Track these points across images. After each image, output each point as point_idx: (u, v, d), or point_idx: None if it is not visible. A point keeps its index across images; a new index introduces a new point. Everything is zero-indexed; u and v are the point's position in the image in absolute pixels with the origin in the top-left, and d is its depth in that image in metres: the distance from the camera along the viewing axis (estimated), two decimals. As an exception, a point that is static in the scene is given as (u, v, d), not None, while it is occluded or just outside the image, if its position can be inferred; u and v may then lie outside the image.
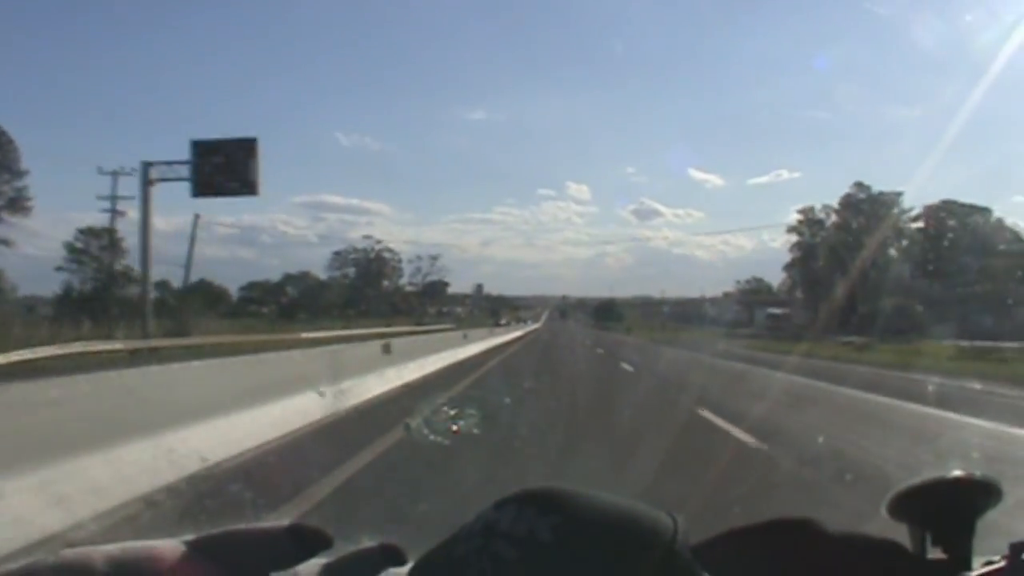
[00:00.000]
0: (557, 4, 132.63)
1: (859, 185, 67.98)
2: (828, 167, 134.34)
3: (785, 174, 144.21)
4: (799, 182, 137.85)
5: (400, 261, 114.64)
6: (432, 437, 6.68)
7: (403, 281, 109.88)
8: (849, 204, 68.15)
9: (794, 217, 75.57)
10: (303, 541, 0.63)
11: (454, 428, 7.18)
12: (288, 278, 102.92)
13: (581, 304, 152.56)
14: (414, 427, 7.38)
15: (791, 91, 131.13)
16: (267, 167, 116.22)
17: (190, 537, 0.63)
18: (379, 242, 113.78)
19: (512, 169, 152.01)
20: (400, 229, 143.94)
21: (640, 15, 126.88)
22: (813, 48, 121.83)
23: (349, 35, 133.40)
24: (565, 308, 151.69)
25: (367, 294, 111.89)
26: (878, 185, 68.04)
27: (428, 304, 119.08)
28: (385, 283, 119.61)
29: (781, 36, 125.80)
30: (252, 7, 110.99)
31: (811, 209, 74.58)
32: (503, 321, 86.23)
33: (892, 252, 65.56)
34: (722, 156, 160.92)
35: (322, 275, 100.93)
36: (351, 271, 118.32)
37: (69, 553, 0.58)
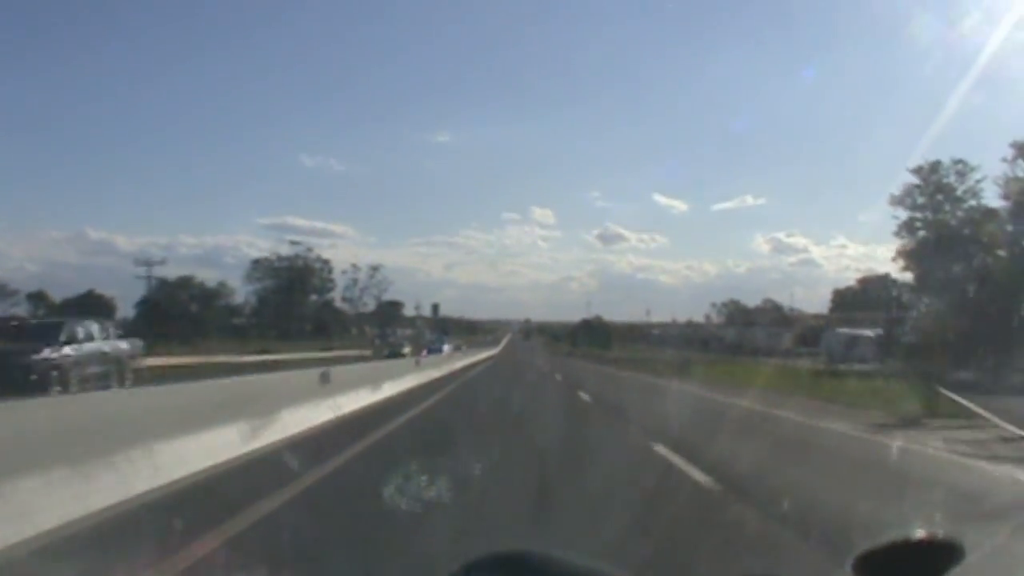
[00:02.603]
0: (523, 29, 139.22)
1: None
2: (794, 192, 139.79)
3: (750, 199, 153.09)
4: (764, 208, 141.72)
5: (330, 272, 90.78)
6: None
7: (338, 295, 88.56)
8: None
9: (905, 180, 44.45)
10: None
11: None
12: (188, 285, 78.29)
13: (545, 328, 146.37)
14: None
15: (757, 117, 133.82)
16: (231, 188, 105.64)
17: None
18: (309, 249, 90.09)
19: (477, 193, 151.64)
20: (364, 251, 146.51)
21: (606, 42, 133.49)
22: (779, 74, 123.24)
23: (313, 57, 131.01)
24: (529, 331, 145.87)
25: (285, 311, 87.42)
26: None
27: (371, 325, 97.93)
28: (313, 297, 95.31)
29: (746, 63, 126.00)
30: (219, 29, 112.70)
31: (936, 165, 42.85)
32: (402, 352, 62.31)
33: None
34: (687, 181, 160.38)
35: (241, 288, 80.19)
36: (272, 283, 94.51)
37: None
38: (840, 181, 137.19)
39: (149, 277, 65.89)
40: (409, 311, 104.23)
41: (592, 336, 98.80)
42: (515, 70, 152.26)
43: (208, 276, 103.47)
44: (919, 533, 0.91)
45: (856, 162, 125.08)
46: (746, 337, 78.76)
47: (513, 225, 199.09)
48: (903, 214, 43.32)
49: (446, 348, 55.90)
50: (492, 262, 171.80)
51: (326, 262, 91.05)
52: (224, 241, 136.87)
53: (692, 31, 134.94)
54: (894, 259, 44.21)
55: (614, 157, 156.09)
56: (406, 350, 51.95)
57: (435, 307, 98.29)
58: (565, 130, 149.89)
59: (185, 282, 71.02)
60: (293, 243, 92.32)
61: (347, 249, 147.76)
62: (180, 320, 69.62)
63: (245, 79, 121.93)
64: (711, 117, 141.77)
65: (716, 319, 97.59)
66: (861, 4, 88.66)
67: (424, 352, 43.45)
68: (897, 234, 43.06)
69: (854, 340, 55.40)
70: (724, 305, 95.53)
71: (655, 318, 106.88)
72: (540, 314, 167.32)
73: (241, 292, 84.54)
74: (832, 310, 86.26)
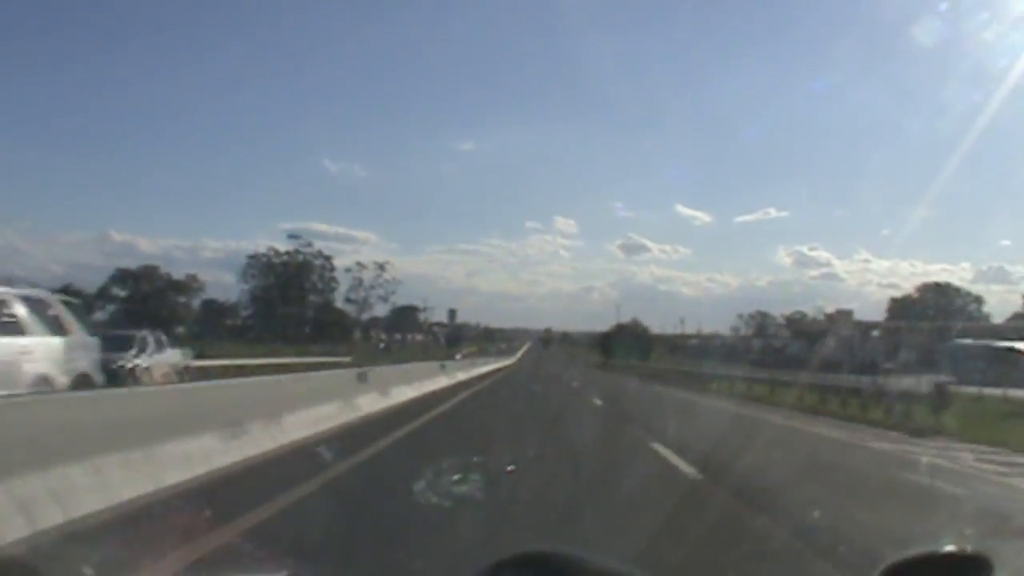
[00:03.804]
0: (549, 38, 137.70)
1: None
2: (816, 205, 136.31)
3: (773, 212, 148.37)
4: (786, 220, 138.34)
5: (332, 270, 79.98)
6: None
7: (342, 295, 79.02)
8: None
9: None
10: None
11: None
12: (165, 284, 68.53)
13: (566, 337, 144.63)
14: None
15: (782, 128, 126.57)
16: (254, 192, 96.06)
17: None
18: (308, 244, 79.26)
19: (500, 201, 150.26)
20: (386, 258, 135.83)
21: (631, 51, 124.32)
22: (803, 85, 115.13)
23: (339, 62, 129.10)
24: (549, 339, 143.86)
25: (281, 312, 76.40)
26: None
27: (381, 329, 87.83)
28: (313, 297, 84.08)
29: (771, 74, 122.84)
30: (244, 32, 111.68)
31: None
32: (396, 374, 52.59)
33: None
34: (710, 193, 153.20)
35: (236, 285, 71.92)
36: (268, 281, 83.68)
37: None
38: (864, 195, 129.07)
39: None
40: (429, 316, 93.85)
41: (629, 344, 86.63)
42: (540, 79, 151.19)
43: (228, 280, 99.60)
44: (948, 547, 0.90)
45: (880, 176, 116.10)
46: (812, 349, 66.75)
47: (536, 234, 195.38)
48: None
49: (459, 356, 46.22)
50: (514, 271, 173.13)
51: (328, 259, 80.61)
52: (246, 245, 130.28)
53: (717, 41, 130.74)
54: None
55: (638, 167, 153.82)
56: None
57: (452, 313, 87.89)
58: (589, 140, 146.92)
59: (149, 273, 60.94)
60: (291, 237, 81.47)
61: (369, 255, 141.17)
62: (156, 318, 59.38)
63: (270, 82, 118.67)
64: (735, 128, 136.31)
65: (744, 331, 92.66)
66: (886, 16, 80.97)
67: None
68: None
69: (1002, 356, 41.52)
70: (751, 317, 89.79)
71: (674, 330, 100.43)
72: (560, 324, 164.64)
73: (235, 290, 75.96)
74: (889, 320, 76.96)
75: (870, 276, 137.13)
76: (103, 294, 63.08)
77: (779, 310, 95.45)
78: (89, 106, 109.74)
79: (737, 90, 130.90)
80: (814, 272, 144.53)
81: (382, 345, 64.98)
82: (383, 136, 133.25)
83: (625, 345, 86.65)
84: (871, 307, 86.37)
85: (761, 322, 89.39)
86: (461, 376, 30.97)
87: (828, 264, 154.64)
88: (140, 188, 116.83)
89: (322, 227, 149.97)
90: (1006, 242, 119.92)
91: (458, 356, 51.91)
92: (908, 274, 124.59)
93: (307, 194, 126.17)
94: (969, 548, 0.89)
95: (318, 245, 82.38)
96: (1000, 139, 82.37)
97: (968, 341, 48.90)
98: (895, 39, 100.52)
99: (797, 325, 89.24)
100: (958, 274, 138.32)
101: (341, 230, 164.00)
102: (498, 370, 45.32)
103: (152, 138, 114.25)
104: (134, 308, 62.70)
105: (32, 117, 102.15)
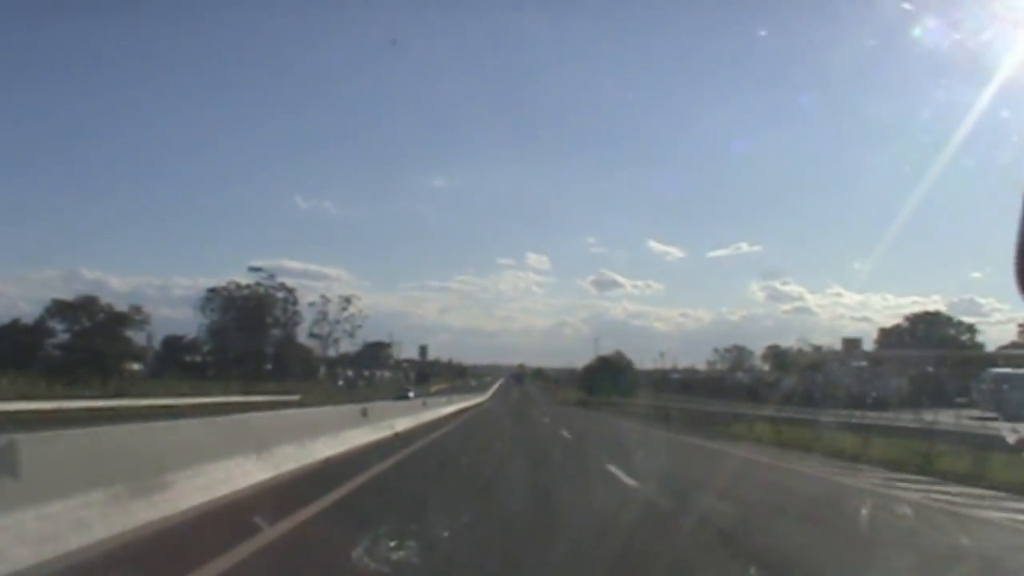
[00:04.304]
0: (520, 76, 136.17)
1: None
2: (789, 240, 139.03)
3: (745, 247, 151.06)
4: (759, 255, 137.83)
5: (295, 303, 74.63)
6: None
7: (307, 329, 74.05)
8: None
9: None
10: None
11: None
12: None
13: (539, 373, 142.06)
14: None
15: (753, 165, 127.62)
16: (226, 230, 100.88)
17: None
18: (270, 276, 73.59)
19: (472, 238, 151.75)
20: (358, 295, 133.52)
21: (603, 90, 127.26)
22: (774, 125, 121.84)
23: (310, 100, 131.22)
24: (521, 376, 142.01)
25: (241, 348, 70.65)
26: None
27: (347, 366, 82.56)
28: (276, 332, 78.38)
29: (742, 112, 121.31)
30: (215, 70, 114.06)
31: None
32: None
33: None
34: (682, 228, 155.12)
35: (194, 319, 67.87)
36: (231, 315, 78.17)
37: None
38: (835, 229, 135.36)
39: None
40: (398, 352, 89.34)
41: (612, 379, 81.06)
42: (512, 116, 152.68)
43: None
44: None
45: (851, 211, 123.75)
46: (815, 384, 61.22)
47: (508, 270, 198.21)
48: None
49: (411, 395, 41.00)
50: (486, 307, 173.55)
51: (291, 291, 75.30)
52: (218, 283, 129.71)
53: (689, 80, 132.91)
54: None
55: (610, 204, 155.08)
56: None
57: (423, 349, 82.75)
58: (561, 176, 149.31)
59: (88, 304, 55.20)
60: (253, 269, 76.15)
61: (341, 292, 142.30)
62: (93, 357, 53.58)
63: (240, 121, 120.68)
64: (707, 165, 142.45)
65: (721, 364, 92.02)
66: (853, 53, 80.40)
67: None
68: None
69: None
70: (727, 351, 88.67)
71: (649, 365, 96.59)
72: (534, 360, 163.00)
73: (193, 326, 70.97)
74: (880, 351, 75.78)
75: (842, 310, 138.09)
76: (38, 328, 57.20)
77: (753, 344, 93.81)
78: (62, 143, 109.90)
79: (709, 127, 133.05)
80: (786, 306, 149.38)
81: (341, 383, 59.92)
82: (355, 173, 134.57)
83: (608, 380, 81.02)
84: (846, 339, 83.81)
85: (738, 356, 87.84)
86: (403, 425, 21.34)
87: (800, 298, 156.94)
88: (112, 226, 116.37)
89: (293, 264, 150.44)
90: (976, 274, 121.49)
91: (411, 394, 46.25)
92: (880, 307, 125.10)
93: (279, 231, 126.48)
94: None
95: (289, 282, 77.62)
96: (970, 172, 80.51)
97: (1007, 370, 44.09)
98: (861, 75, 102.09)
99: (783, 358, 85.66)
100: (929, 307, 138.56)
101: (313, 267, 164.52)
102: (463, 411, 39.34)
103: (125, 176, 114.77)
104: (79, 344, 56.87)
105: (1, 153, 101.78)
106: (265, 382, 63.75)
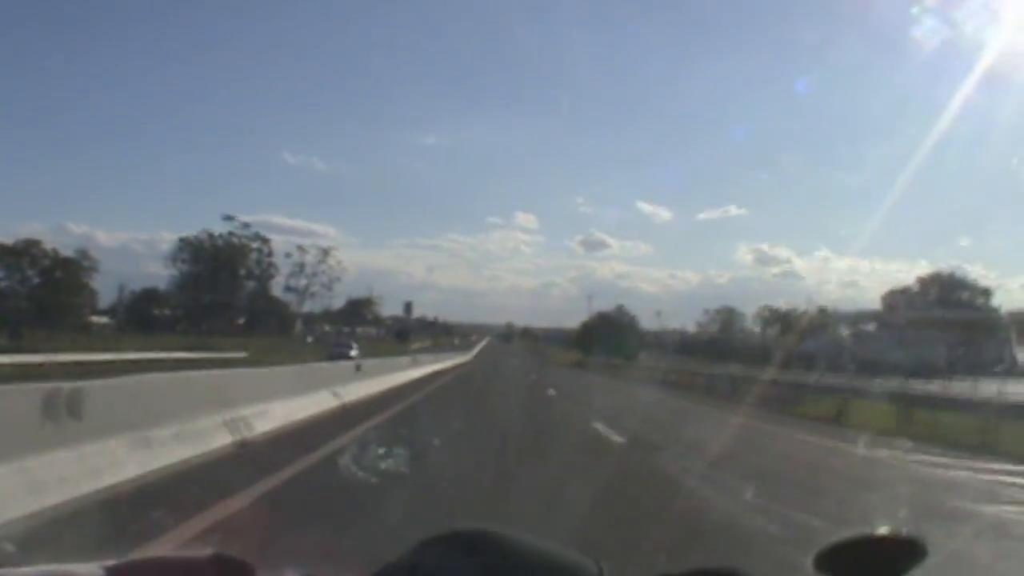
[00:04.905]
0: (512, 32, 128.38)
1: None
2: (778, 203, 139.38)
3: (734, 209, 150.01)
4: (747, 218, 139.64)
5: (270, 255, 68.27)
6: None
7: (282, 281, 68.73)
8: None
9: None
10: (225, 571, 0.67)
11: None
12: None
13: (528, 333, 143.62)
14: None
15: (744, 127, 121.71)
16: (213, 184, 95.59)
17: (111, 563, 0.66)
18: (246, 225, 67.69)
19: (461, 196, 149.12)
20: (346, 252, 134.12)
21: (595, 47, 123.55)
22: (768, 85, 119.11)
23: (299, 54, 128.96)
24: (509, 335, 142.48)
25: (212, 300, 64.87)
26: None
27: (330, 323, 77.35)
28: (250, 284, 71.93)
29: (736, 73, 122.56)
30: (203, 25, 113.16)
31: None
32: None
33: None
34: (672, 189, 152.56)
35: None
36: (201, 267, 72.08)
37: None
38: (825, 194, 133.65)
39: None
40: (382, 308, 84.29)
41: (614, 339, 75.52)
42: (504, 73, 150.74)
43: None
44: (882, 530, 0.91)
45: (842, 176, 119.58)
46: (842, 348, 55.61)
47: (497, 229, 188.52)
48: None
49: (354, 353, 35.26)
50: (474, 266, 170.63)
51: (266, 241, 69.48)
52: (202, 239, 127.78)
53: (683, 38, 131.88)
54: None
55: (600, 163, 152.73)
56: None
57: (407, 306, 77.58)
58: (552, 135, 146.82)
59: (30, 249, 49.14)
60: (226, 218, 70.16)
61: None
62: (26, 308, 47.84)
63: (229, 75, 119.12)
64: (698, 126, 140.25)
65: (712, 327, 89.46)
66: (855, 19, 78.03)
67: None
68: None
69: None
70: (718, 312, 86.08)
71: (652, 325, 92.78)
72: (521, 319, 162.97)
73: (163, 277, 65.64)
74: (885, 312, 70.30)
75: (829, 274, 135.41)
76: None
77: (741, 306, 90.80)
78: (49, 99, 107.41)
79: (701, 89, 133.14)
80: (775, 269, 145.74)
81: (310, 339, 55.14)
82: (344, 130, 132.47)
83: (611, 340, 75.87)
84: (833, 304, 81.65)
85: (728, 317, 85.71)
86: (336, 400, 12.93)
87: (788, 262, 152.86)
88: (99, 180, 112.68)
89: (281, 220, 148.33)
90: (964, 242, 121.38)
91: (352, 352, 39.87)
92: (868, 272, 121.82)
93: (266, 187, 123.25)
94: (904, 531, 0.89)
95: (277, 239, 71.38)
96: (961, 140, 76.46)
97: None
98: (858, 40, 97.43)
99: (786, 319, 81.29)
100: (915, 273, 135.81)
101: (300, 224, 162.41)
102: (436, 374, 31.68)
103: (113, 131, 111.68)
104: (16, 289, 50.96)
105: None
106: (236, 337, 58.38)
